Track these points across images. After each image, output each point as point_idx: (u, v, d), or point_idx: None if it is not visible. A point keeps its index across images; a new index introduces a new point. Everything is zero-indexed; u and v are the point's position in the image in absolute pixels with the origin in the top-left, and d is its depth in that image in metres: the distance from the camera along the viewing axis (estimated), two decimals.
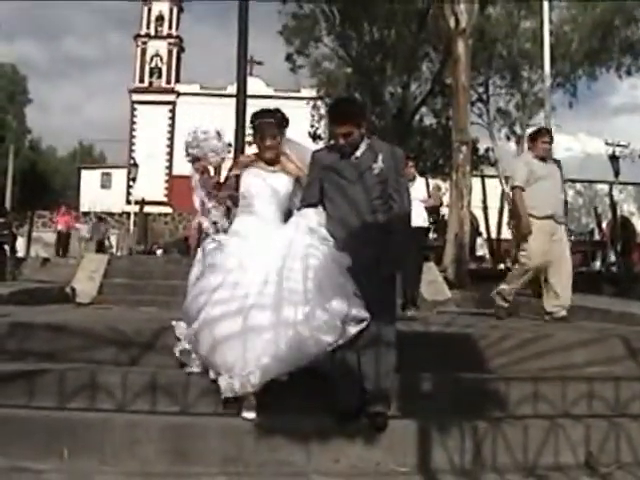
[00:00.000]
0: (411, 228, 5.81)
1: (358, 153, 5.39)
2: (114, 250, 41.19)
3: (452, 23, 19.03)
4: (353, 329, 4.94)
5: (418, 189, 9.96)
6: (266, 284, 5.16)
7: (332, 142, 5.68)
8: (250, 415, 4.98)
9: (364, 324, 4.96)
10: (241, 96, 14.53)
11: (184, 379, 5.35)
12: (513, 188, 8.83)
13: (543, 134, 9.33)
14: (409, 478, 4.78)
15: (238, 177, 5.82)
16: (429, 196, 10.47)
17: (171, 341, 5.61)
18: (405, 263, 5.92)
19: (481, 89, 42.44)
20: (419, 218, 9.70)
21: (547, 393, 5.56)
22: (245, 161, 5.91)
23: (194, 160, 5.91)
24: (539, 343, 6.41)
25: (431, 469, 4.86)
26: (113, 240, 44.38)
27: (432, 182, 11.06)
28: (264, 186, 5.67)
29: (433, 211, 10.53)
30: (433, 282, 13.51)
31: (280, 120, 5.78)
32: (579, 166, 51.80)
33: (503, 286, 9.02)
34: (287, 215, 5.70)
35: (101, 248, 32.78)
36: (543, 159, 8.93)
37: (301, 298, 5.02)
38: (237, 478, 4.72)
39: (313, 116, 40.67)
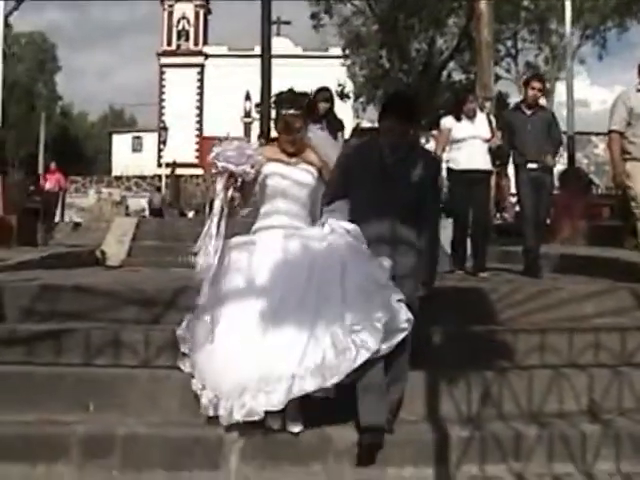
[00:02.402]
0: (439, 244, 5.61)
1: (399, 155, 5.15)
2: (147, 214, 41.42)
3: None
4: (395, 338, 4.66)
5: (479, 127, 9.21)
6: (297, 290, 4.77)
7: (380, 137, 5.24)
8: (296, 428, 4.63)
9: (407, 332, 4.71)
10: (266, 57, 14.71)
11: None
12: (609, 132, 7.83)
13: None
14: (417, 426, 4.97)
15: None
16: (492, 134, 9.23)
17: (191, 299, 5.81)
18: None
19: (509, 43, 42.09)
20: (482, 160, 9.12)
21: (554, 344, 5.70)
22: (263, 159, 5.31)
23: (229, 174, 5.12)
24: (549, 295, 6.56)
25: (439, 418, 5.06)
26: (145, 203, 44.75)
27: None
28: (288, 181, 5.31)
29: (497, 151, 9.28)
30: None
31: (306, 109, 5.42)
32: None
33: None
34: (313, 209, 5.42)
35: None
36: None
37: (338, 304, 4.69)
38: None
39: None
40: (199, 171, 56.07)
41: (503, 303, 6.41)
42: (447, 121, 9.35)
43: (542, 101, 9.66)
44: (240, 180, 5.13)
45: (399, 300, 4.76)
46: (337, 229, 5.03)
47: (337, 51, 44.15)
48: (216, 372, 4.74)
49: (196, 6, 65.39)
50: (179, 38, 65.20)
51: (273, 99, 5.35)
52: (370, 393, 4.66)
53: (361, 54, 39.00)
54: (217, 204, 5.12)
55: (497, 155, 9.32)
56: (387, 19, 35.48)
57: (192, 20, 65.24)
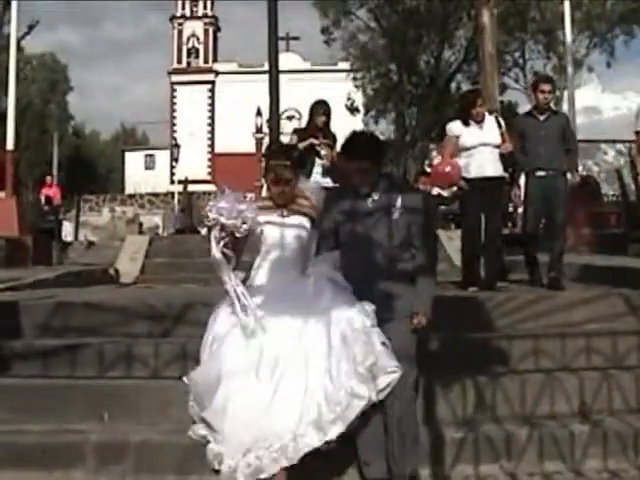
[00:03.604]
0: (435, 278, 5.32)
1: (375, 195, 5.05)
2: (161, 231, 41.71)
3: None
4: (383, 381, 4.63)
5: (489, 132, 8.54)
6: (290, 345, 4.76)
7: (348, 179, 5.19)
8: None
9: (395, 375, 4.64)
10: (273, 72, 14.94)
11: None
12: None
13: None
14: None
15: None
16: (503, 140, 8.58)
17: (199, 314, 6.09)
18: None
19: (517, 54, 42.28)
20: (494, 167, 8.48)
21: (547, 349, 5.96)
22: (256, 216, 5.20)
23: (221, 228, 5.05)
24: (543, 302, 6.81)
25: (435, 420, 5.31)
26: (159, 220, 45.05)
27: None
28: (280, 232, 5.27)
29: (509, 157, 8.61)
30: None
31: (297, 160, 5.41)
32: (628, 125, 50.92)
33: None
34: (308, 256, 5.36)
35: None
36: None
37: (325, 357, 4.69)
38: None
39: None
40: (211, 187, 56.44)
41: (499, 311, 6.65)
42: (454, 127, 8.65)
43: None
44: (230, 233, 5.04)
45: (382, 343, 4.70)
46: (320, 277, 5.03)
47: (346, 65, 44.42)
48: (219, 429, 4.75)
49: (205, 24, 65.98)
50: (189, 56, 65.78)
51: (263, 152, 5.17)
52: (369, 447, 4.75)
53: (370, 68, 39.33)
54: (214, 256, 5.05)
55: (508, 162, 8.65)
56: (395, 32, 35.79)
57: (202, 38, 65.81)
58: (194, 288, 9.90)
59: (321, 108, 9.42)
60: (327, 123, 9.39)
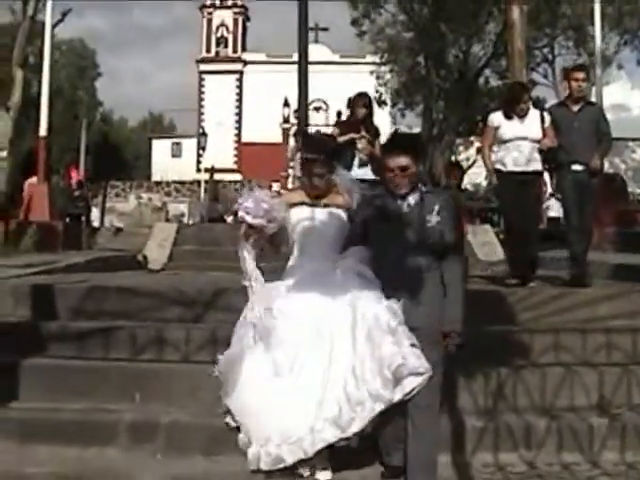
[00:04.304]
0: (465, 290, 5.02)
1: (412, 200, 4.85)
2: (186, 219, 41.97)
3: None
4: (409, 383, 4.54)
5: (530, 126, 8.28)
6: (311, 337, 4.80)
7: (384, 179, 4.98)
8: (325, 476, 4.78)
9: (425, 377, 4.53)
10: (302, 64, 15.02)
11: None
12: None
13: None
14: None
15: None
16: (544, 135, 8.30)
17: (229, 300, 6.28)
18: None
19: (546, 50, 42.10)
20: (531, 162, 8.26)
21: (567, 343, 6.08)
22: (289, 200, 5.38)
23: (249, 226, 5.17)
24: (565, 298, 6.93)
25: (456, 409, 5.47)
26: (184, 208, 45.34)
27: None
28: (314, 224, 5.23)
29: (548, 153, 8.33)
30: (487, 243, 13.92)
31: (331, 154, 5.39)
32: None
33: None
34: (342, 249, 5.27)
35: None
36: None
37: (350, 355, 4.68)
38: None
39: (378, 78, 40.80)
40: (238, 176, 56.62)
41: (521, 305, 6.78)
42: (495, 118, 8.46)
43: None
44: (260, 231, 5.16)
45: (412, 345, 4.59)
46: (348, 269, 5.00)
47: (375, 58, 44.33)
48: (244, 418, 4.92)
49: (235, 13, 66.00)
50: (218, 45, 65.82)
51: (294, 133, 5.14)
52: (390, 438, 4.80)
53: (398, 61, 39.32)
54: (242, 254, 5.26)
55: (547, 158, 8.37)
56: (424, 26, 35.75)
57: (231, 27, 65.84)
58: (223, 275, 10.06)
59: (361, 100, 9.40)
60: (369, 115, 9.35)
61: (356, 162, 9.07)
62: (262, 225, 5.10)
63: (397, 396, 4.54)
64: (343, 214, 5.28)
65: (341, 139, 8.91)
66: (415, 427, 4.59)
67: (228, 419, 5.10)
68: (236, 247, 5.42)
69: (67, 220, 18.44)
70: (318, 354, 4.74)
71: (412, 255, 4.73)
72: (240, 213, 5.14)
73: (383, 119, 31.18)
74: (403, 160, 4.78)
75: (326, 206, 5.30)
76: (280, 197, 5.45)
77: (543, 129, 8.25)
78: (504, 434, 5.24)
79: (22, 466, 4.98)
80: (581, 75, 8.26)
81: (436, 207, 4.77)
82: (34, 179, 18.13)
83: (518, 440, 5.23)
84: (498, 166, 8.36)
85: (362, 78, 42.78)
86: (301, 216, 5.29)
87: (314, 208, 5.30)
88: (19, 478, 4.92)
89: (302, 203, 5.33)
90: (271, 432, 4.74)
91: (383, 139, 7.57)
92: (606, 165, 10.52)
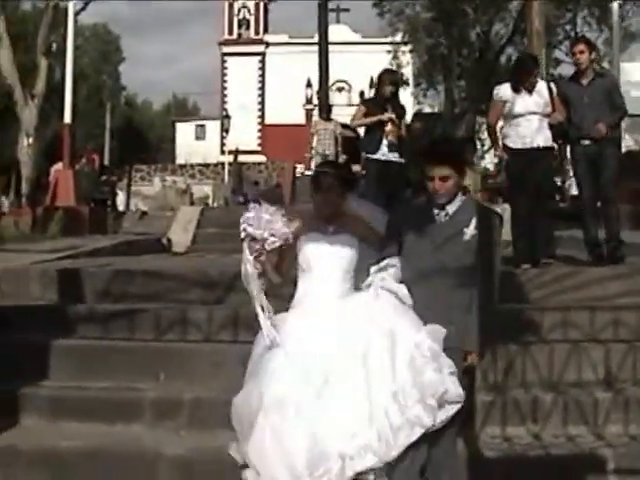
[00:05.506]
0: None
1: (450, 210, 4.53)
2: (211, 202, 42.19)
3: None
4: (444, 412, 4.32)
5: (539, 100, 8.02)
6: (346, 366, 4.43)
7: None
8: None
9: (458, 406, 4.34)
10: (323, 45, 15.05)
11: None
12: None
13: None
14: None
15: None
16: (553, 109, 8.03)
17: None
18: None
19: (568, 27, 41.80)
20: (542, 137, 8.00)
21: (576, 321, 6.25)
22: (299, 226, 4.90)
23: (251, 239, 4.71)
24: (575, 277, 7.11)
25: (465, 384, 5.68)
26: (209, 191, 45.57)
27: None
28: (324, 251, 4.83)
29: (559, 128, 8.10)
30: (506, 222, 14.06)
31: (345, 178, 4.96)
32: None
33: None
34: (356, 276, 4.86)
35: None
36: None
37: (390, 381, 4.35)
38: None
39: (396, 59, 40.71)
40: (261, 158, 56.80)
41: (532, 283, 6.97)
42: (503, 91, 8.18)
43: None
44: (262, 245, 4.70)
45: (451, 373, 4.36)
46: (383, 292, 4.63)
47: (396, 38, 44.20)
48: (265, 458, 4.35)
49: None
50: (240, 27, 65.76)
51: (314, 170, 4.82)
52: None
53: (419, 41, 39.21)
54: (246, 269, 4.76)
55: (558, 132, 8.13)
56: (446, 4, 35.62)
57: (252, 9, 65.75)
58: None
59: (387, 78, 9.36)
60: (395, 93, 9.31)
61: (384, 143, 9.06)
62: (263, 237, 4.71)
63: (437, 423, 4.30)
64: (356, 242, 4.84)
65: (367, 120, 9.00)
66: (439, 447, 4.39)
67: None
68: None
69: (92, 205, 18.70)
70: (351, 380, 4.40)
71: (446, 271, 4.46)
72: (242, 225, 4.78)
73: (405, 99, 31.27)
74: (445, 171, 4.45)
75: (338, 231, 4.88)
76: (285, 211, 4.91)
77: (552, 102, 8.04)
78: (511, 408, 5.46)
79: (53, 440, 5.29)
80: (578, 47, 8.08)
81: (473, 221, 4.47)
82: (60, 165, 18.41)
83: (525, 414, 5.45)
84: (507, 142, 8.17)
85: (384, 58, 42.74)
86: (311, 241, 4.90)
87: (326, 234, 4.88)
88: (51, 451, 5.22)
89: (313, 228, 4.93)
90: (298, 465, 4.25)
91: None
92: (630, 142, 10.31)
